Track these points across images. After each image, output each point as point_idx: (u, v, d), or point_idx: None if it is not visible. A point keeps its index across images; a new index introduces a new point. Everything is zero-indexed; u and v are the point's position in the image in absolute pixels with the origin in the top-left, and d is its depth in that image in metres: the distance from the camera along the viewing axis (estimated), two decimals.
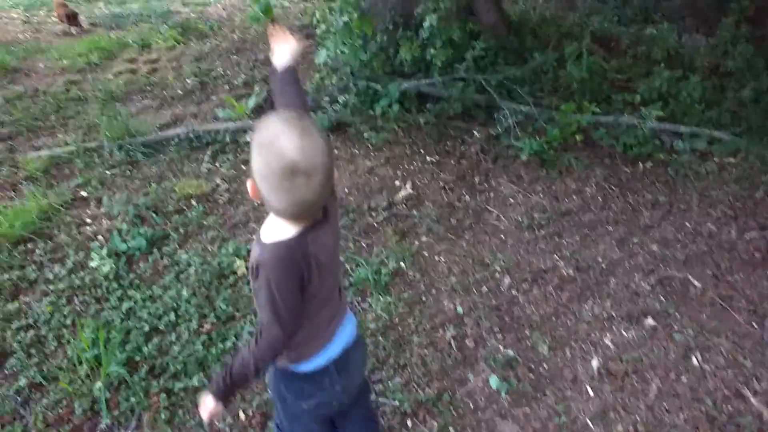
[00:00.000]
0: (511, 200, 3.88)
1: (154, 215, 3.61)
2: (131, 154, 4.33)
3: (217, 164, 4.26)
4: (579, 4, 9.27)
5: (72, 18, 7.96)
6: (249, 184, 1.35)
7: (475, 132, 4.54)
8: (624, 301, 3.04)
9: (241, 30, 7.66)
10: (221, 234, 3.48)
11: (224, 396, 1.53)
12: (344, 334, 1.67)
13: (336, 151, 4.34)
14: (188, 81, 5.65)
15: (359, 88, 4.61)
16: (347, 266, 3.24)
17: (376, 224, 3.61)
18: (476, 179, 4.07)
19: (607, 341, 2.80)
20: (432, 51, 4.74)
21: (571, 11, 8.36)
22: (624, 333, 2.85)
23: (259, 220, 3.61)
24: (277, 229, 1.43)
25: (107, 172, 4.18)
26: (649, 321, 2.93)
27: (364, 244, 3.43)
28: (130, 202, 3.69)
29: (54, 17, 8.78)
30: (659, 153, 4.29)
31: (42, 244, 3.36)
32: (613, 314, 2.95)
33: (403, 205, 3.78)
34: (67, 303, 2.93)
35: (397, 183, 3.99)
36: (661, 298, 3.08)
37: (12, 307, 2.87)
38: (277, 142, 1.27)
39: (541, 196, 3.91)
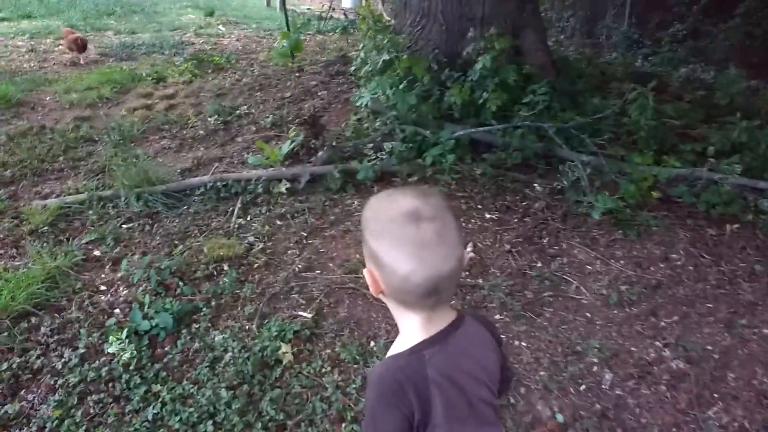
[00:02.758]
0: (589, 268, 3.37)
1: (180, 283, 3.08)
2: (150, 205, 3.83)
3: (248, 218, 3.76)
4: (609, 42, 8.93)
5: (82, 47, 7.54)
6: (366, 273, 1.13)
7: (536, 185, 4.06)
8: (754, 405, 2.51)
9: (260, 65, 7.26)
10: (260, 308, 2.95)
11: None
12: None
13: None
14: (210, 120, 5.19)
15: (406, 135, 4.15)
16: None
17: None
18: (545, 241, 3.57)
19: None
20: (485, 94, 4.30)
21: (603, 50, 8.02)
22: None
23: (303, 290, 3.10)
24: (399, 342, 1.16)
25: (124, 226, 3.67)
26: None
27: None
28: (151, 266, 3.17)
29: (61, 45, 8.39)
30: (745, 213, 3.80)
31: (48, 319, 2.82)
32: (746, 425, 2.42)
33: (467, 272, 3.27)
34: (79, 402, 2.37)
35: None
36: None
37: (11, 409, 2.32)
38: (392, 197, 1.10)
39: (623, 263, 3.41)
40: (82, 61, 7.74)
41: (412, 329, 1.14)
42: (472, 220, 3.70)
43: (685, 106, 5.40)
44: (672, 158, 3.99)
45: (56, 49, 8.49)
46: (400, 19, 5.60)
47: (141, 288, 3.03)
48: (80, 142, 4.89)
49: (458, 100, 4.28)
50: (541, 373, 2.64)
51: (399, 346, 1.15)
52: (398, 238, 1.04)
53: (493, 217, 3.74)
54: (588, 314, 3.03)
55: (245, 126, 5.10)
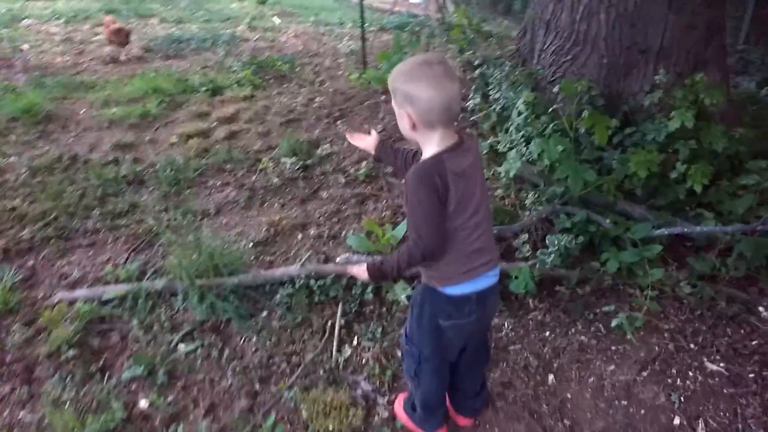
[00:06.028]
0: None
1: None
2: (217, 310, 2.70)
3: (354, 342, 2.60)
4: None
5: (124, 39, 6.53)
6: (401, 117, 1.65)
7: (761, 309, 2.83)
8: None
9: (329, 74, 6.10)
10: None
11: (373, 276, 1.81)
12: (490, 276, 1.79)
13: (546, 333, 2.66)
14: (285, 162, 4.02)
15: (575, 222, 2.94)
16: None
17: None
18: None
19: None
20: (678, 165, 3.07)
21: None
22: None
23: None
24: (424, 156, 1.69)
25: (181, 347, 2.55)
26: None
27: None
28: None
29: (100, 35, 7.38)
30: None
31: None
32: None
33: None
34: None
35: (677, 421, 2.30)
36: None
37: None
38: (407, 60, 1.67)
39: None
40: (123, 57, 6.68)
41: (432, 145, 1.65)
42: (690, 374, 2.50)
43: None
44: None
45: (94, 39, 7.45)
46: (530, 39, 4.37)
47: None
48: (121, 184, 3.79)
49: (641, 172, 3.05)
50: None
51: (425, 157, 1.67)
52: (421, 77, 1.57)
53: (720, 369, 2.52)
54: None
55: (330, 174, 3.93)
